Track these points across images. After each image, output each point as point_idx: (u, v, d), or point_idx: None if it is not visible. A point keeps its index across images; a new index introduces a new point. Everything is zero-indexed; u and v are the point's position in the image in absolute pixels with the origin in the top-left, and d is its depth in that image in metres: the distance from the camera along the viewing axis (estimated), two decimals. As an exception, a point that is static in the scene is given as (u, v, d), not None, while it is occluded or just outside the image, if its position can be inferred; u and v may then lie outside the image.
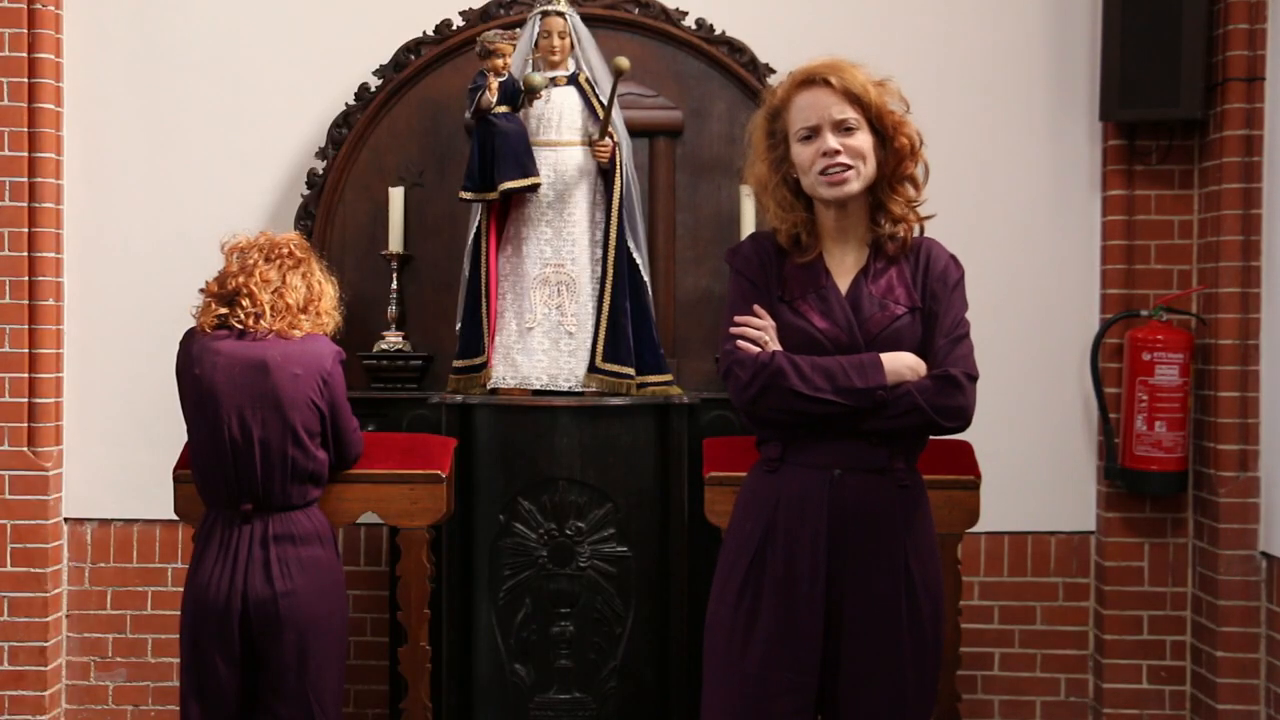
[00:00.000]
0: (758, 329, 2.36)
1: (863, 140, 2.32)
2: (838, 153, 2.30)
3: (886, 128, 2.33)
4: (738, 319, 2.38)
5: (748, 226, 3.73)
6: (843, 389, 2.27)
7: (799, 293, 2.37)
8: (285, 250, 3.08)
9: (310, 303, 3.08)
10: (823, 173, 2.31)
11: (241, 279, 3.02)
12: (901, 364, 2.31)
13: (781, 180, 2.38)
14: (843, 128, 2.31)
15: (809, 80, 2.34)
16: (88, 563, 4.05)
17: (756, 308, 2.38)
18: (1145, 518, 3.89)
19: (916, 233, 2.42)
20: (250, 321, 3.00)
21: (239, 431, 2.95)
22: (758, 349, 2.34)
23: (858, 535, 2.32)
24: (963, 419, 2.34)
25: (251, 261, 3.04)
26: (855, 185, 2.32)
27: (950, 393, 2.31)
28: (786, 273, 2.39)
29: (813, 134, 2.32)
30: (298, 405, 2.98)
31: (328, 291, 3.14)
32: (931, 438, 2.43)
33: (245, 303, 3.01)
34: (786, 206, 2.38)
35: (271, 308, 3.01)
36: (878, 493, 2.33)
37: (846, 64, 2.34)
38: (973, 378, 2.35)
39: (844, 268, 2.39)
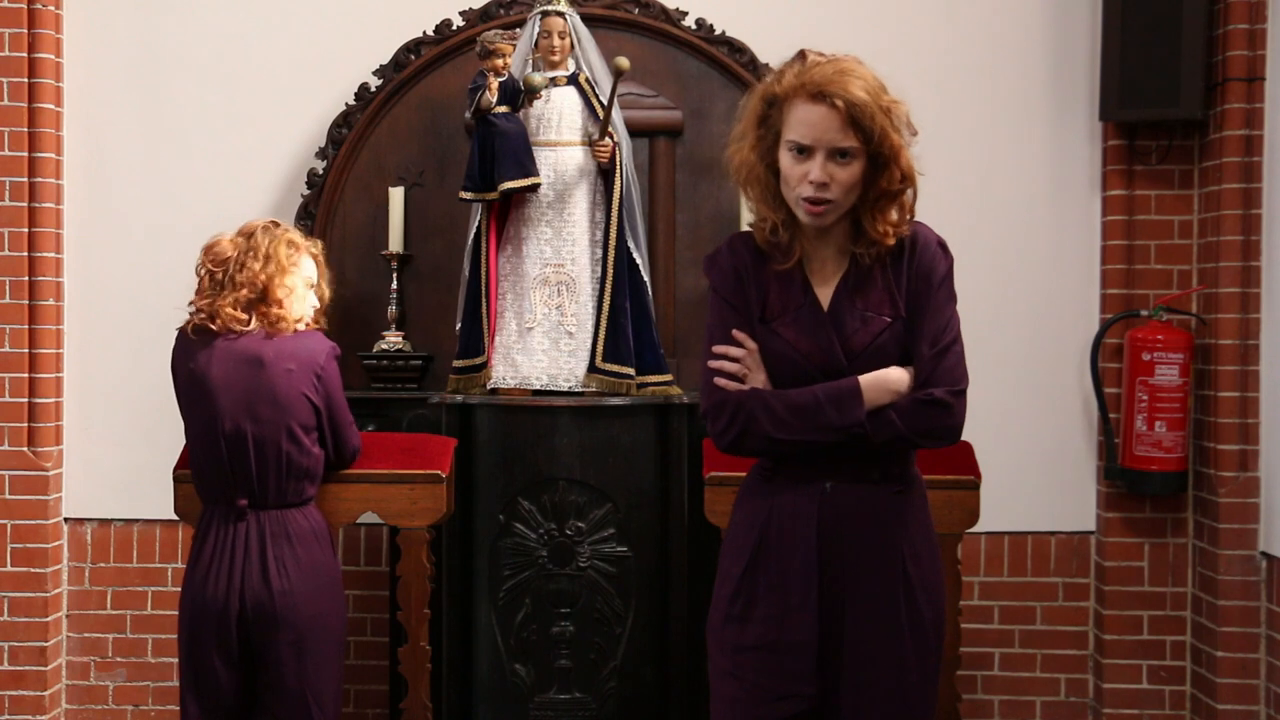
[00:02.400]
0: (736, 359, 2.30)
1: (854, 171, 2.22)
2: (825, 185, 2.20)
3: (883, 153, 2.22)
4: (715, 350, 2.32)
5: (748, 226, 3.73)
6: (820, 427, 2.22)
7: (778, 310, 2.30)
8: (260, 243, 3.03)
9: (270, 286, 2.98)
10: (804, 198, 2.22)
11: (222, 274, 3.00)
12: (883, 387, 2.24)
13: (766, 168, 2.30)
14: (837, 155, 2.21)
15: (818, 94, 2.20)
16: (88, 563, 4.05)
17: (736, 333, 2.31)
18: (1145, 518, 3.89)
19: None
20: (236, 318, 2.97)
21: (233, 427, 2.94)
22: (736, 384, 2.29)
23: (852, 545, 2.29)
24: (950, 438, 2.28)
25: (228, 257, 3.01)
26: (831, 219, 2.25)
27: (935, 416, 2.24)
28: (766, 283, 2.32)
29: (805, 152, 2.22)
30: (292, 400, 2.97)
31: (290, 268, 3.02)
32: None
33: (228, 303, 2.99)
34: (768, 199, 2.30)
35: (253, 302, 2.99)
36: (871, 502, 2.29)
37: (856, 78, 2.21)
38: (959, 392, 2.26)
39: (825, 274, 2.32)
